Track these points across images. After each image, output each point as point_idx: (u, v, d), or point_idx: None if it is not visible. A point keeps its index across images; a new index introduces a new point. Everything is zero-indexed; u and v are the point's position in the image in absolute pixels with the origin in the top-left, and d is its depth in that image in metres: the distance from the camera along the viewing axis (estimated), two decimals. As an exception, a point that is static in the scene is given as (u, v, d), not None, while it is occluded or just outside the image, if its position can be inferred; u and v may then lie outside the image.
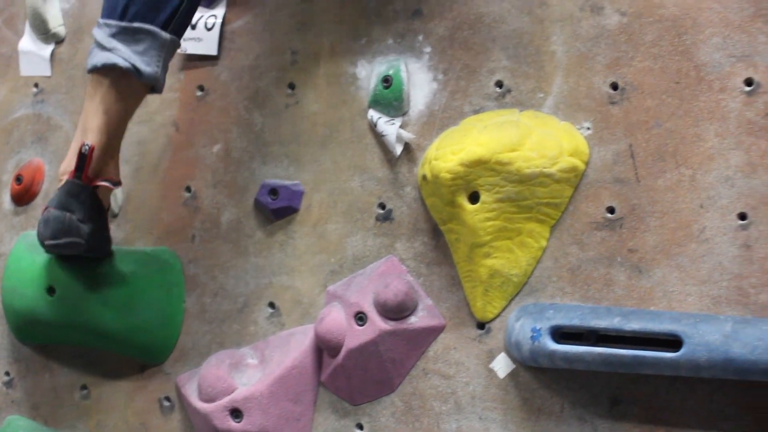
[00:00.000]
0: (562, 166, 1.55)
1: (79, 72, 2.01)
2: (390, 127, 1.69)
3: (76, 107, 1.99)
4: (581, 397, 1.54)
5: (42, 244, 1.65)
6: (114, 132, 1.68)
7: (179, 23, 1.66)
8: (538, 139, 1.55)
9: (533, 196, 1.56)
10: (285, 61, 1.82)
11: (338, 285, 1.73)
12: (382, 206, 1.71)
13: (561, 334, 1.51)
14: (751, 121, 1.48)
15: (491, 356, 1.61)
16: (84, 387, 1.92)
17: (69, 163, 1.68)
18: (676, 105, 1.53)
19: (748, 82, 1.49)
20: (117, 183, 1.72)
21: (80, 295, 1.78)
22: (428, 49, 1.70)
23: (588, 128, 1.58)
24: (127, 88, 1.66)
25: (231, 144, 1.85)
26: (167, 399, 1.85)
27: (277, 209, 1.78)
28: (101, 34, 1.64)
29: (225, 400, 1.71)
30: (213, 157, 1.86)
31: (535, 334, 1.52)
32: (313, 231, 1.77)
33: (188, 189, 1.88)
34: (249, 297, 1.81)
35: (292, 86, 1.81)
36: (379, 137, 1.71)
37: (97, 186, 1.68)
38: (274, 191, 1.78)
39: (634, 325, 1.46)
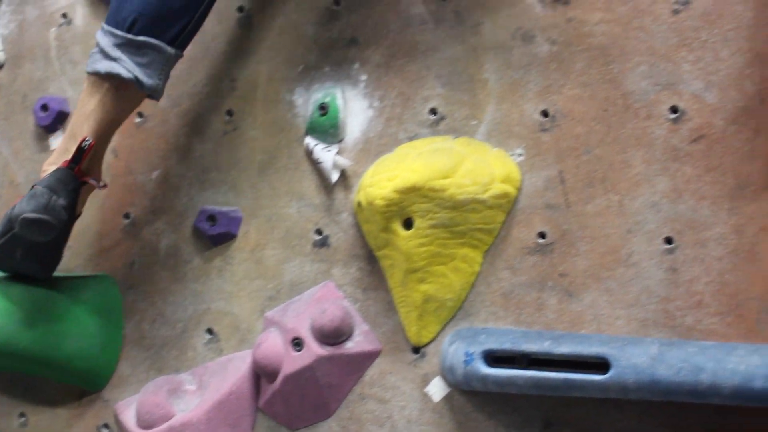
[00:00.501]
0: (495, 192, 1.57)
1: (18, 98, 2.01)
2: (326, 154, 1.70)
3: (15, 133, 1.99)
4: (514, 420, 1.56)
5: (18, 219, 1.61)
6: (106, 135, 1.69)
7: (186, 38, 1.68)
8: (471, 166, 1.58)
9: (466, 222, 1.58)
10: (223, 88, 1.83)
11: (276, 311, 1.74)
12: (318, 232, 1.73)
13: (493, 358, 1.53)
14: (676, 147, 1.52)
15: (426, 380, 1.63)
16: (22, 414, 1.91)
17: (59, 156, 1.67)
18: (605, 132, 1.56)
19: (673, 109, 1.52)
20: (102, 186, 1.72)
21: (17, 321, 1.77)
22: (364, 77, 1.72)
23: (520, 155, 1.61)
24: (125, 94, 1.66)
25: (170, 170, 1.86)
26: (106, 426, 1.84)
27: (215, 235, 1.79)
28: (106, 42, 1.64)
29: (163, 427, 1.71)
30: (152, 183, 1.87)
31: (468, 358, 1.53)
32: (250, 257, 1.78)
33: (127, 215, 1.89)
34: (187, 323, 1.81)
35: (230, 113, 1.82)
36: (315, 164, 1.73)
37: (84, 182, 1.68)
38: (212, 217, 1.79)
39: (563, 348, 1.48)
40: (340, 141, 1.72)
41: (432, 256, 1.59)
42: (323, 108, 1.72)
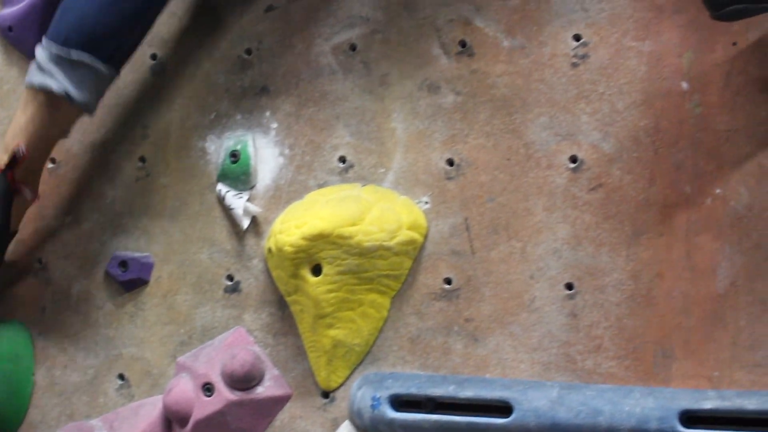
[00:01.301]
0: (401, 239, 1.61)
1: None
2: (238, 201, 1.73)
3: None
4: (421, 463, 1.59)
5: None
6: (41, 149, 1.69)
7: (121, 57, 1.69)
8: (378, 213, 1.61)
9: (374, 268, 1.61)
10: (136, 135, 1.85)
11: (187, 356, 1.75)
12: (230, 278, 1.75)
13: (400, 402, 1.56)
14: (576, 196, 1.57)
15: (336, 424, 1.65)
16: (-71, 463, 1.89)
17: None
18: (508, 180, 1.60)
19: (573, 159, 1.57)
20: (34, 198, 1.71)
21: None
22: (275, 125, 1.75)
23: (426, 202, 1.64)
24: (59, 108, 1.67)
25: (82, 216, 1.86)
26: (15, 474, 1.83)
27: (127, 281, 1.80)
28: (41, 55, 1.65)
29: (73, 473, 1.71)
30: (64, 228, 1.87)
31: (375, 403, 1.56)
32: (162, 302, 1.79)
33: (39, 260, 1.88)
34: (99, 368, 1.81)
35: (143, 159, 1.84)
36: (227, 210, 1.75)
37: (17, 191, 1.66)
38: (124, 263, 1.80)
39: (468, 392, 1.51)
40: (251, 188, 1.74)
41: (340, 302, 1.62)
42: (235, 155, 1.74)
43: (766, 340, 1.46)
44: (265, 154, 1.75)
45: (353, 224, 1.60)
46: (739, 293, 1.48)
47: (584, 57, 1.59)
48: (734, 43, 1.52)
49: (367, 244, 1.60)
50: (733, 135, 1.51)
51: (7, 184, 1.65)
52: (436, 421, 1.52)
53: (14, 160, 1.64)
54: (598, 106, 1.58)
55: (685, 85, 1.54)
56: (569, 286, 1.56)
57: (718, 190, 1.51)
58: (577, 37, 1.60)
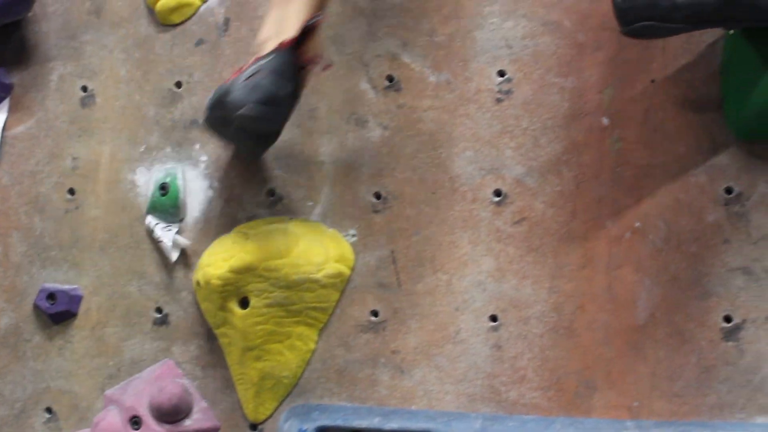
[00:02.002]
0: (329, 272, 1.62)
1: None
2: (167, 233, 1.73)
3: None
4: (348, 495, 1.60)
5: (237, 112, 1.49)
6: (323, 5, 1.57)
7: None
8: (306, 246, 1.62)
9: (301, 300, 1.62)
10: (66, 167, 1.84)
11: (116, 389, 1.74)
12: (159, 310, 1.75)
13: (327, 434, 1.57)
14: (500, 229, 1.59)
15: (264, 457, 1.66)
16: None
17: (272, 31, 1.55)
18: (433, 214, 1.62)
19: (497, 193, 1.60)
20: (328, 66, 1.62)
21: None
22: (205, 158, 1.76)
23: (353, 235, 1.66)
24: None
25: (10, 248, 1.85)
26: None
27: (56, 314, 1.79)
28: None
29: None
30: (-8, 261, 1.87)
31: (301, 435, 1.57)
32: (91, 335, 1.78)
33: (-33, 293, 1.87)
34: (26, 402, 1.80)
35: (72, 191, 1.83)
36: (156, 243, 1.75)
37: (307, 65, 1.56)
38: (52, 296, 1.79)
39: (393, 424, 1.53)
40: (181, 220, 1.75)
41: (268, 335, 1.63)
42: (164, 188, 1.75)
43: (685, 371, 1.49)
44: (195, 187, 1.75)
45: (280, 257, 1.61)
46: (658, 325, 1.51)
47: (508, 92, 1.62)
48: (653, 81, 1.56)
49: (294, 277, 1.61)
50: (651, 170, 1.54)
51: (298, 63, 1.53)
52: (361, 453, 1.53)
53: (305, 32, 1.53)
54: (521, 140, 1.60)
55: (605, 120, 1.57)
56: (494, 318, 1.58)
57: (637, 224, 1.54)
58: (501, 73, 1.63)
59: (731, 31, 1.52)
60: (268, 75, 1.48)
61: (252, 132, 1.56)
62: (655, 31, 1.43)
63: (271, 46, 1.52)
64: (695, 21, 1.41)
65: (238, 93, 1.48)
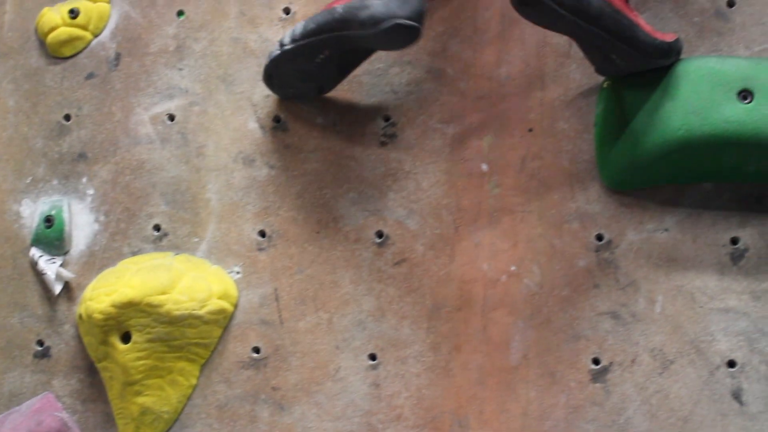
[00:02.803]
0: (211, 308, 1.64)
1: None
2: (51, 266, 1.73)
3: None
4: None
5: (385, 22, 1.46)
6: None
7: None
8: (189, 282, 1.64)
9: (183, 336, 1.63)
10: (-50, 196, 1.83)
11: (-7, 422, 1.73)
12: (40, 343, 1.74)
13: (204, 470, 1.58)
14: (381, 269, 1.63)
15: (141, 492, 1.65)
16: None
17: None
18: (317, 253, 1.66)
19: (379, 234, 1.64)
20: None
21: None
22: (91, 191, 1.76)
23: (237, 272, 1.68)
24: None
25: None
26: None
27: (-66, 345, 1.77)
28: None
29: None
30: None
31: (179, 471, 1.58)
32: (-30, 367, 1.77)
33: None
34: None
35: (-45, 221, 1.82)
36: (40, 275, 1.74)
37: None
38: (-69, 326, 1.77)
39: (270, 461, 1.54)
40: (65, 253, 1.75)
41: (149, 370, 1.63)
42: (49, 220, 1.75)
43: (554, 411, 1.54)
44: (81, 220, 1.76)
45: (163, 293, 1.62)
46: (530, 366, 1.56)
47: (392, 136, 1.66)
48: (530, 130, 1.62)
49: (176, 312, 1.62)
50: (527, 216, 1.60)
51: None
52: (238, 490, 1.54)
53: None
54: (404, 183, 1.65)
55: (485, 166, 1.63)
56: (372, 357, 1.61)
57: (513, 268, 1.59)
58: (386, 118, 1.67)
59: (605, 85, 1.59)
60: None
61: (363, 47, 1.54)
62: (544, 12, 1.44)
63: None
64: (577, 12, 1.44)
65: (384, 4, 1.47)
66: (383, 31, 1.46)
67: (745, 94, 1.48)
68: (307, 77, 1.63)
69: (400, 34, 1.47)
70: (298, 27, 1.56)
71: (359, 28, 1.48)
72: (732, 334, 1.52)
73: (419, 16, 1.46)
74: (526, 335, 1.57)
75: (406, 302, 1.62)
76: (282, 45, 1.59)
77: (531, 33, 1.64)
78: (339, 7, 1.50)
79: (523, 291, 1.58)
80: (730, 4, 1.60)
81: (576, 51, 1.60)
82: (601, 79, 1.60)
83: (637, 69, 1.53)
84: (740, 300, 1.53)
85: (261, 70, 1.70)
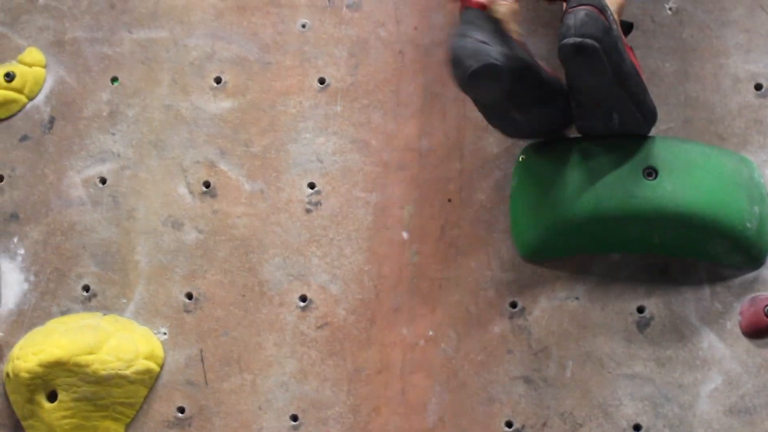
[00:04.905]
0: (138, 368, 1.68)
1: None
2: (-21, 324, 1.75)
3: None
4: None
5: (462, 84, 1.46)
6: None
7: None
8: (116, 343, 1.68)
9: (109, 396, 1.67)
10: None
11: None
12: (-33, 401, 1.76)
13: None
14: (304, 333, 1.68)
15: None
16: None
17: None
18: (242, 316, 1.71)
19: (303, 298, 1.70)
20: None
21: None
22: (22, 251, 1.79)
23: (164, 333, 1.72)
24: None
25: None
26: None
27: None
28: None
29: None
30: None
31: None
32: None
33: None
34: None
35: None
36: (-32, 333, 1.77)
37: (485, 6, 1.50)
38: None
39: None
40: (-6, 312, 1.78)
41: (74, 428, 1.67)
42: (-21, 279, 1.78)
43: (468, 472, 1.60)
44: (10, 279, 1.79)
45: (90, 353, 1.66)
46: (445, 428, 1.62)
47: (317, 204, 1.73)
48: (449, 200, 1.69)
49: (103, 372, 1.66)
50: (445, 283, 1.67)
51: (482, 13, 1.49)
52: None
53: None
54: (327, 250, 1.71)
55: (405, 235, 1.69)
56: (294, 418, 1.66)
57: (430, 332, 1.66)
58: (311, 186, 1.73)
59: (521, 158, 1.67)
60: (456, 36, 1.46)
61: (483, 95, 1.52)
62: (592, 62, 1.43)
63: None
64: (616, 68, 1.46)
65: (453, 66, 1.47)
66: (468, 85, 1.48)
67: (650, 171, 1.56)
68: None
69: (477, 82, 1.46)
70: None
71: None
72: (638, 399, 1.59)
73: (470, 59, 1.44)
74: (442, 398, 1.63)
75: (327, 365, 1.67)
76: None
77: (451, 107, 1.72)
78: None
79: (440, 355, 1.65)
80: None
81: (493, 126, 1.68)
82: (517, 151, 1.68)
83: (625, 131, 1.57)
84: (646, 366, 1.60)
85: (192, 137, 1.76)
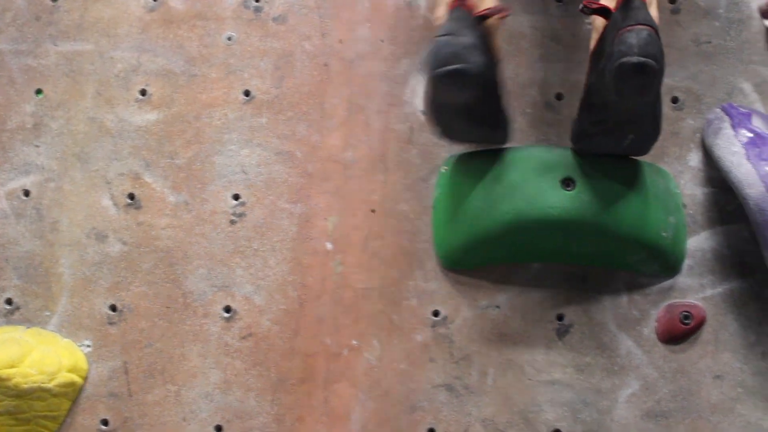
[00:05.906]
0: (61, 381, 1.67)
1: None
2: None
3: None
4: None
5: (435, 78, 1.41)
6: None
7: None
8: (39, 356, 1.67)
9: (31, 409, 1.66)
10: None
11: None
12: None
13: None
14: (228, 343, 1.69)
15: None
16: None
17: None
18: (166, 327, 1.71)
19: (227, 309, 1.70)
20: (504, 14, 1.49)
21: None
22: (-56, 265, 1.79)
23: (88, 346, 1.72)
24: None
25: None
26: None
27: None
28: None
29: None
30: None
31: None
32: None
33: None
34: None
35: None
36: None
37: (483, 17, 1.47)
38: None
39: None
40: None
41: (-4, 442, 1.66)
42: None
43: (391, 480, 1.62)
44: (-68, 293, 1.78)
45: (12, 366, 1.65)
46: (369, 437, 1.64)
47: (242, 215, 1.74)
48: (373, 210, 1.71)
49: (25, 386, 1.65)
50: (368, 292, 1.68)
51: (468, 16, 1.44)
52: None
53: None
54: (252, 261, 1.72)
55: (329, 245, 1.71)
56: (218, 429, 1.67)
57: (354, 342, 1.67)
58: (236, 197, 1.74)
59: (443, 169, 1.69)
60: (441, 36, 1.42)
61: (456, 102, 1.49)
62: (648, 82, 1.39)
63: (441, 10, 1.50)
64: (658, 89, 1.45)
65: (429, 62, 1.43)
66: (437, 88, 1.46)
67: (568, 182, 1.59)
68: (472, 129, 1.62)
69: (448, 83, 1.43)
70: None
71: None
72: (558, 405, 1.62)
73: (451, 59, 1.41)
74: (366, 407, 1.65)
75: (251, 375, 1.68)
76: None
77: (375, 119, 1.74)
78: None
79: (363, 364, 1.66)
80: (559, 98, 1.72)
81: (417, 137, 1.71)
82: (439, 163, 1.70)
83: (629, 152, 1.57)
84: (565, 373, 1.63)
85: (116, 149, 1.76)
